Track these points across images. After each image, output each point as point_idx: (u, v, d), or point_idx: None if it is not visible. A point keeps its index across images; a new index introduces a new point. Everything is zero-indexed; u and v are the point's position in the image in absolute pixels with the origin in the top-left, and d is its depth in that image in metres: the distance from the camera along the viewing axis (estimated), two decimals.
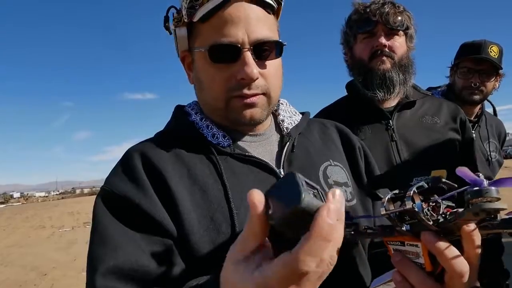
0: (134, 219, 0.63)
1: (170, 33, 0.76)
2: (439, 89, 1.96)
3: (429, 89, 1.97)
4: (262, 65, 0.70)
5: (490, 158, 1.92)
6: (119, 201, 0.65)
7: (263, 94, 0.71)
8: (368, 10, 1.28)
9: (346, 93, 1.48)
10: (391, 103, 1.37)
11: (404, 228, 0.46)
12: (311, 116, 0.92)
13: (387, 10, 1.25)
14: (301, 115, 0.87)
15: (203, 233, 0.64)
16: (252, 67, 0.67)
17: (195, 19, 0.69)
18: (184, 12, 0.70)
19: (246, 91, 0.69)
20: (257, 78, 0.69)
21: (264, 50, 0.70)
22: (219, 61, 0.69)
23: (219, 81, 0.70)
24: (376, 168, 0.88)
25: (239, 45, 0.67)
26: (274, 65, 0.73)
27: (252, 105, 0.71)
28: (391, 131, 1.31)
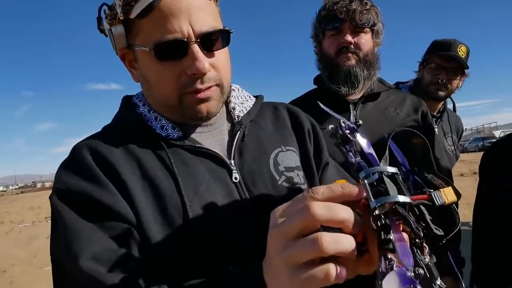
0: (98, 214, 0.61)
1: (106, 35, 0.71)
2: (407, 84, 2.03)
3: (397, 83, 2.05)
4: (211, 57, 0.68)
5: (452, 152, 2.03)
6: (79, 199, 0.62)
7: (216, 85, 0.70)
8: (335, 7, 1.33)
9: (315, 86, 1.53)
10: (357, 95, 1.42)
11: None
12: None
13: (354, 7, 1.30)
14: (254, 100, 0.86)
15: (159, 228, 0.64)
16: (203, 60, 0.65)
17: (132, 15, 0.65)
18: (119, 10, 0.66)
19: (199, 85, 0.67)
20: (208, 71, 0.67)
21: (212, 41, 0.67)
22: (166, 59, 0.66)
23: (169, 79, 0.67)
24: (325, 150, 0.87)
25: (185, 39, 0.64)
26: (223, 54, 0.71)
27: (206, 99, 0.69)
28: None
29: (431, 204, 0.44)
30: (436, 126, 1.95)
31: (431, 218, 0.45)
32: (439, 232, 0.43)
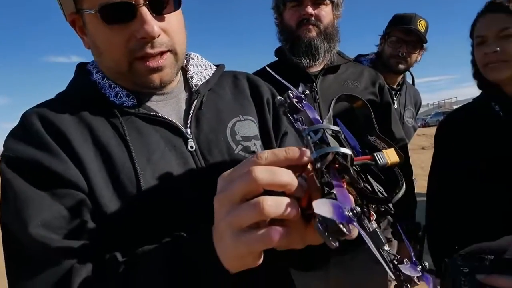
0: (49, 182, 0.60)
1: None
2: (368, 57, 2.06)
3: (358, 56, 2.08)
4: (161, 20, 0.66)
5: (408, 124, 2.11)
6: (28, 166, 0.61)
7: (169, 51, 0.68)
8: None
9: (276, 58, 1.55)
10: (317, 68, 1.45)
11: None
12: None
13: None
14: (214, 68, 0.85)
15: (111, 196, 0.63)
16: (152, 23, 0.63)
17: None
18: None
19: (149, 50, 0.65)
20: (159, 35, 0.65)
21: (161, 3, 0.65)
22: (113, 22, 0.63)
23: (118, 44, 0.65)
24: (284, 121, 0.87)
25: (133, 2, 0.62)
26: (175, 18, 0.69)
27: (159, 69, 0.67)
28: (315, 93, 1.41)
29: (374, 164, 0.45)
30: (395, 99, 2.02)
31: (378, 186, 0.46)
32: (383, 196, 0.44)
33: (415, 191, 1.75)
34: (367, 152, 0.47)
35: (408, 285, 0.38)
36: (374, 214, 0.45)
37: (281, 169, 0.41)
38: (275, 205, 0.40)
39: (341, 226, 0.35)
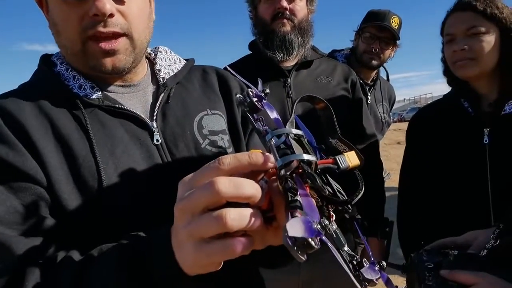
0: (5, 175, 0.58)
1: None
2: (342, 52, 2.08)
3: (333, 51, 2.09)
4: (120, 3, 0.65)
5: (382, 119, 2.13)
6: None
7: (125, 35, 0.66)
8: None
9: (250, 52, 1.53)
10: (291, 62, 1.44)
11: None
12: None
13: None
14: (184, 62, 0.84)
15: (72, 190, 0.61)
16: (104, 1, 0.62)
17: None
18: None
19: (101, 28, 0.63)
20: (112, 15, 0.63)
21: None
22: None
23: (72, 20, 0.63)
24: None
25: None
26: (136, 4, 0.68)
27: (112, 52, 0.65)
28: (288, 88, 1.40)
29: (336, 167, 0.45)
30: (369, 94, 2.03)
31: (338, 186, 0.46)
32: (343, 197, 0.45)
33: (391, 185, 1.77)
34: (324, 156, 0.48)
35: (367, 283, 0.39)
36: (334, 215, 0.45)
37: (245, 180, 0.40)
38: (238, 218, 0.39)
39: (310, 240, 0.34)
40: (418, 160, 1.30)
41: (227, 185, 0.39)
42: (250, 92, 0.48)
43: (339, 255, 0.38)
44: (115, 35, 0.65)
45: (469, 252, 0.82)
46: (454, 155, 1.19)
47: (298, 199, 0.39)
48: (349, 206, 0.44)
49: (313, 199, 0.40)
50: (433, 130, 1.27)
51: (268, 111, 0.47)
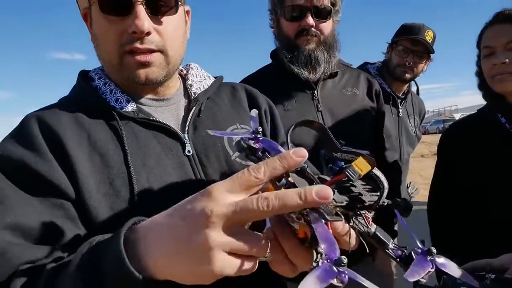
0: (31, 182, 0.61)
1: None
2: (374, 64, 2.07)
3: (365, 63, 2.08)
4: (157, 21, 0.69)
5: (414, 133, 2.11)
6: (15, 165, 0.62)
7: (159, 51, 0.70)
8: None
9: (271, 61, 1.49)
10: (316, 76, 1.38)
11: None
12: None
13: None
14: (213, 79, 0.88)
15: (102, 198, 0.64)
16: (143, 20, 0.66)
17: None
18: None
19: (138, 45, 0.67)
20: (149, 33, 0.67)
21: (159, 5, 0.69)
22: (110, 13, 0.67)
23: (112, 35, 0.68)
24: (281, 130, 0.90)
25: None
26: (171, 22, 0.71)
27: (146, 64, 0.69)
28: (316, 101, 1.37)
29: (348, 180, 0.45)
30: (400, 107, 2.02)
31: (362, 189, 0.47)
32: (367, 199, 0.46)
33: (418, 200, 1.74)
34: (339, 170, 0.48)
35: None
36: (370, 217, 0.47)
37: (243, 239, 0.41)
38: (232, 268, 0.41)
39: (335, 281, 0.35)
40: (451, 175, 1.28)
41: (224, 243, 0.40)
42: (243, 138, 0.50)
43: (387, 253, 0.40)
44: (150, 51, 0.69)
45: (507, 277, 0.79)
46: (490, 171, 1.15)
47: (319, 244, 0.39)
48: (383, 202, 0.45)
49: (329, 229, 0.40)
50: (467, 145, 1.25)
51: (268, 147, 0.49)
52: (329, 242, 0.37)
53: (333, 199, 0.43)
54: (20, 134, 0.66)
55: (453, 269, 0.43)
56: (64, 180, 0.62)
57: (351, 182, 0.46)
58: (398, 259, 0.44)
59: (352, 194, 0.45)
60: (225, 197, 0.40)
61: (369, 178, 0.47)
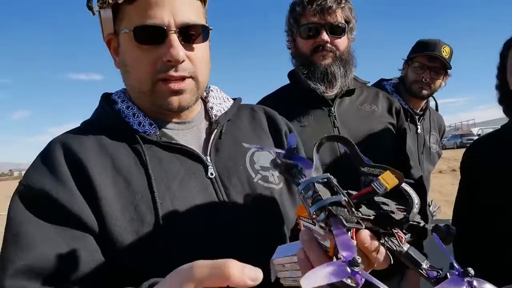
0: (52, 213, 0.61)
1: (94, 14, 0.74)
2: (391, 81, 2.05)
3: (381, 80, 2.07)
4: (188, 48, 0.71)
5: (432, 149, 2.07)
6: (36, 196, 0.62)
7: (191, 77, 0.71)
8: (310, 7, 1.31)
9: (289, 82, 1.52)
10: (333, 91, 1.42)
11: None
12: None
13: (329, 5, 1.29)
14: (232, 101, 0.88)
15: (127, 224, 0.63)
16: (178, 49, 0.67)
17: (120, 0, 0.68)
18: None
19: (172, 73, 0.69)
20: (183, 61, 0.69)
21: (191, 34, 0.70)
22: (144, 42, 0.68)
23: (145, 63, 0.69)
24: (302, 151, 0.90)
25: (165, 27, 0.67)
26: (201, 49, 0.73)
27: (179, 92, 0.70)
28: (333, 117, 1.38)
29: (375, 193, 0.45)
30: (419, 124, 1.99)
31: (392, 206, 0.47)
32: (397, 217, 0.45)
33: (441, 218, 1.69)
34: (367, 184, 0.48)
35: None
36: (403, 236, 0.46)
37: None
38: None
39: (348, 281, 0.35)
40: (475, 195, 1.24)
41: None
42: (278, 153, 0.52)
43: (421, 273, 0.40)
44: (183, 78, 0.70)
45: None
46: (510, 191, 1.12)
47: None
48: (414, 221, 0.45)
49: (353, 239, 0.41)
50: (491, 161, 1.21)
51: (302, 164, 0.50)
52: (346, 246, 0.38)
53: (359, 211, 0.44)
54: (43, 160, 0.67)
55: None
56: (86, 211, 0.62)
57: (383, 201, 0.46)
58: (432, 280, 0.42)
59: (381, 211, 0.45)
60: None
61: (401, 197, 0.47)
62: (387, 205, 0.47)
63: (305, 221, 0.51)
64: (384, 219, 0.45)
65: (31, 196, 0.62)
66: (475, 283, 0.39)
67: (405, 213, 0.46)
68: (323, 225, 0.42)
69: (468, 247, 1.24)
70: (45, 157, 0.67)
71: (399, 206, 0.47)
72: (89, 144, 0.69)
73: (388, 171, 0.46)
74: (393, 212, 0.46)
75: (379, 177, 0.45)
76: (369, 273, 0.42)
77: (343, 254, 0.37)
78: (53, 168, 0.64)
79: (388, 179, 0.45)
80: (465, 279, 0.39)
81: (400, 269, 1.24)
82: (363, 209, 0.45)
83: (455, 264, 0.41)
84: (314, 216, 0.42)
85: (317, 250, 0.46)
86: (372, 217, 0.44)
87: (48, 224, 0.60)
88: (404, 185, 0.47)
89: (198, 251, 0.63)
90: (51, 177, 0.63)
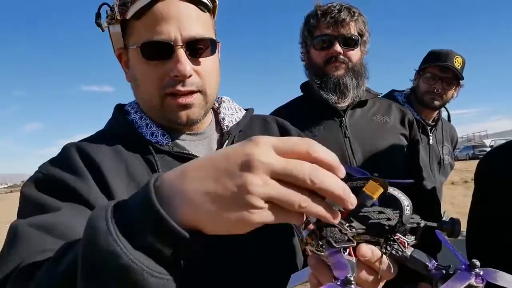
0: (70, 199, 0.61)
1: (103, 30, 0.75)
2: (402, 92, 2.04)
3: (392, 91, 2.06)
4: (196, 63, 0.71)
5: (442, 161, 2.04)
6: (54, 183, 0.63)
7: (199, 91, 0.72)
8: (324, 19, 1.34)
9: (301, 93, 1.54)
10: (345, 103, 1.43)
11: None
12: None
13: (342, 17, 1.32)
14: (244, 112, 0.89)
15: None
16: (185, 64, 0.68)
17: (128, 16, 0.69)
18: (116, 9, 0.70)
19: (180, 87, 0.70)
20: (190, 75, 0.69)
21: (198, 48, 0.71)
22: (151, 58, 0.69)
23: (152, 78, 0.70)
24: None
25: (172, 43, 0.68)
26: (209, 62, 0.73)
27: (187, 106, 0.71)
28: (344, 128, 1.39)
29: (363, 206, 0.46)
30: (431, 134, 1.97)
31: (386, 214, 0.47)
32: (392, 223, 0.46)
33: None
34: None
35: None
36: (406, 240, 0.47)
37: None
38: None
39: None
40: (488, 204, 1.23)
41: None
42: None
43: (428, 274, 0.41)
44: (191, 93, 0.71)
45: None
46: None
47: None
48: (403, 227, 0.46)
49: (340, 256, 0.42)
50: (504, 173, 1.20)
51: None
52: (338, 265, 0.39)
53: (353, 227, 0.45)
54: (60, 159, 0.68)
55: (508, 280, 0.41)
56: (102, 202, 0.62)
57: (379, 210, 0.46)
58: (440, 279, 0.42)
59: (370, 222, 0.46)
60: (270, 150, 0.37)
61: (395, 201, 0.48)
62: (383, 213, 0.46)
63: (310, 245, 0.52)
64: (377, 229, 0.45)
65: (49, 183, 0.63)
66: (482, 273, 0.40)
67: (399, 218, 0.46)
68: (318, 248, 0.44)
69: (480, 259, 1.22)
70: (61, 156, 0.68)
71: (396, 211, 0.47)
72: (104, 149, 0.70)
73: (371, 181, 0.45)
74: (389, 219, 0.46)
75: (363, 189, 0.45)
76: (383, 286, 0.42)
77: (335, 274, 0.38)
78: (71, 164, 0.66)
79: (372, 189, 0.44)
80: (472, 272, 0.40)
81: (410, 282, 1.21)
82: (356, 223, 0.45)
83: (461, 258, 0.41)
84: (306, 241, 0.44)
85: (325, 273, 0.45)
86: (363, 231, 0.45)
87: (66, 203, 0.61)
88: (392, 190, 0.47)
89: (204, 260, 0.64)
90: (69, 171, 0.64)
